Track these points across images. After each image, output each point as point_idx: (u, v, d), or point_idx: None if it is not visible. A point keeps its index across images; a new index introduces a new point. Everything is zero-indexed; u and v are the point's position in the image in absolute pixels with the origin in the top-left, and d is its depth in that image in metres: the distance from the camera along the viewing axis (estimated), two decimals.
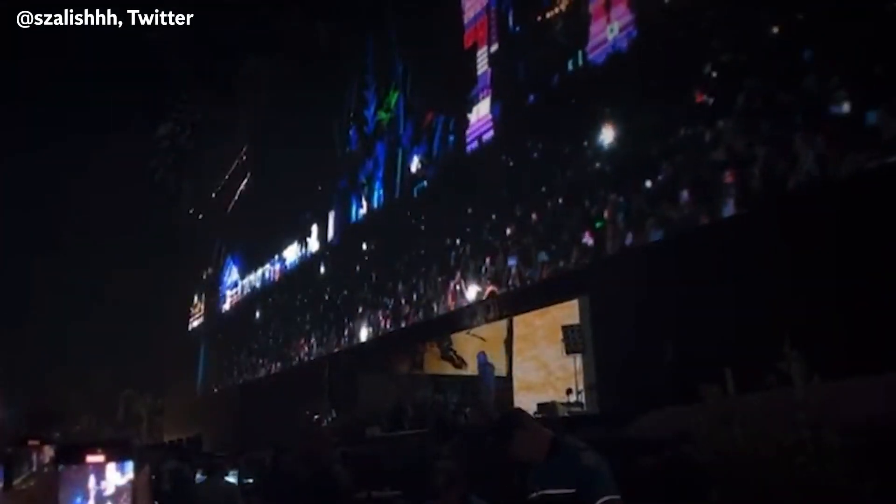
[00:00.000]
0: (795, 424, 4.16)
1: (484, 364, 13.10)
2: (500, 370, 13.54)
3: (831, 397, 4.31)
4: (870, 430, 3.95)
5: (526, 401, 10.82)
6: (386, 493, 9.33)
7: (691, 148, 8.63)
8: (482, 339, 13.64)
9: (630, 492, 3.24)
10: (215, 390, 28.66)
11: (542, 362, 12.55)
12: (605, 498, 3.17)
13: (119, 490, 1.20)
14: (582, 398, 10.19)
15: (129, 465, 1.22)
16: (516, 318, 12.78)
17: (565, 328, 10.48)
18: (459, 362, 14.31)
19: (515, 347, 13.32)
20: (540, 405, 9.75)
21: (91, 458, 1.22)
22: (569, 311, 10.54)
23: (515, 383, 13.13)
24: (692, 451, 4.58)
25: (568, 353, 10.44)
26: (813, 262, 6.35)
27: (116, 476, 1.20)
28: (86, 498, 1.18)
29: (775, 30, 7.78)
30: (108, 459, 1.23)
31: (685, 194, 8.59)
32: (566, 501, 3.27)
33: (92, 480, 1.19)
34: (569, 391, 10.44)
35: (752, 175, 7.69)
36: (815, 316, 6.00)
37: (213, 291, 30.52)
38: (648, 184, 9.21)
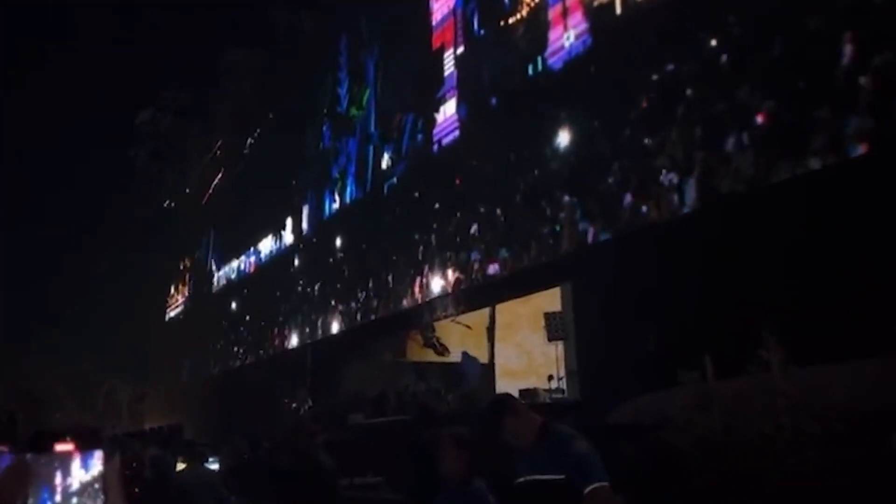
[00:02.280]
0: (774, 410, 4.19)
1: (467, 359, 13.21)
2: (483, 357, 13.57)
3: (809, 383, 4.35)
4: (846, 415, 3.99)
5: (508, 387, 10.87)
6: (368, 480, 9.35)
7: (639, 152, 8.94)
8: (467, 326, 13.66)
9: (611, 477, 3.25)
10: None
11: (524, 349, 12.59)
12: (596, 485, 3.17)
13: (83, 486, 1.18)
14: (563, 384, 10.24)
15: (94, 461, 1.21)
16: (499, 306, 12.83)
17: (547, 315, 10.51)
18: (442, 349, 14.34)
19: (498, 335, 13.36)
20: (522, 391, 9.78)
21: (60, 447, 1.20)
22: (551, 299, 10.57)
23: (498, 370, 13.17)
24: (672, 436, 4.61)
25: (550, 340, 10.47)
26: (789, 252, 6.40)
27: (81, 473, 1.18)
28: (53, 493, 1.17)
29: (713, 43, 8.08)
30: (78, 448, 1.21)
31: (628, 197, 8.97)
32: (555, 487, 3.26)
33: (59, 476, 1.17)
34: (550, 377, 10.48)
35: (694, 178, 8.05)
36: (793, 303, 6.06)
37: (203, 278, 30.15)
38: (600, 185, 9.53)
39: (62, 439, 1.21)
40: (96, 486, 1.20)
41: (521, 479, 3.42)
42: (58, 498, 1.19)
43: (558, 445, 3.34)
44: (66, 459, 1.20)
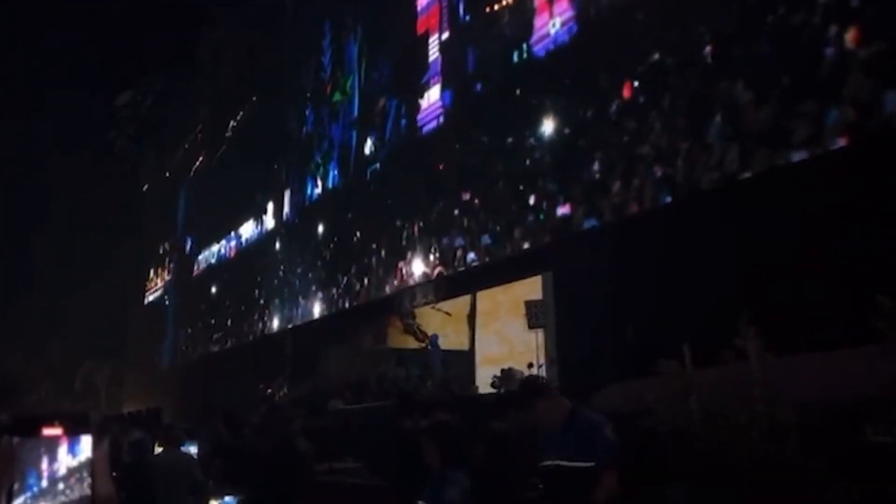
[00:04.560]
0: (751, 400, 4.24)
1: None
2: (463, 344, 13.62)
3: (786, 373, 4.40)
4: (823, 406, 4.05)
5: (488, 374, 10.97)
6: (347, 465, 9.37)
7: (622, 141, 8.98)
8: (447, 313, 13.67)
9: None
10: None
11: (504, 337, 12.63)
12: (613, 470, 3.22)
13: (70, 471, 1.17)
14: (543, 372, 10.30)
15: (81, 446, 1.19)
16: (480, 293, 12.87)
17: (528, 303, 10.56)
18: (422, 336, 14.35)
19: (479, 322, 13.40)
20: (502, 371, 10.24)
21: (47, 431, 1.19)
22: (532, 287, 10.62)
23: (478, 357, 13.22)
24: (651, 425, 4.65)
25: (530, 328, 10.52)
26: (768, 242, 6.47)
27: (68, 458, 1.17)
28: (39, 478, 1.16)
29: (698, 33, 8.13)
30: (66, 432, 1.20)
31: (611, 186, 9.00)
32: (582, 474, 3.28)
33: (45, 461, 1.16)
34: (530, 365, 10.54)
35: (676, 168, 8.09)
36: (772, 293, 6.12)
37: (184, 260, 29.88)
38: (583, 174, 9.58)
39: (49, 423, 1.20)
40: (84, 472, 1.19)
41: (549, 463, 3.43)
42: (44, 483, 1.18)
43: (589, 432, 3.37)
44: (52, 444, 1.19)
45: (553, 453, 3.44)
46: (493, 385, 10.66)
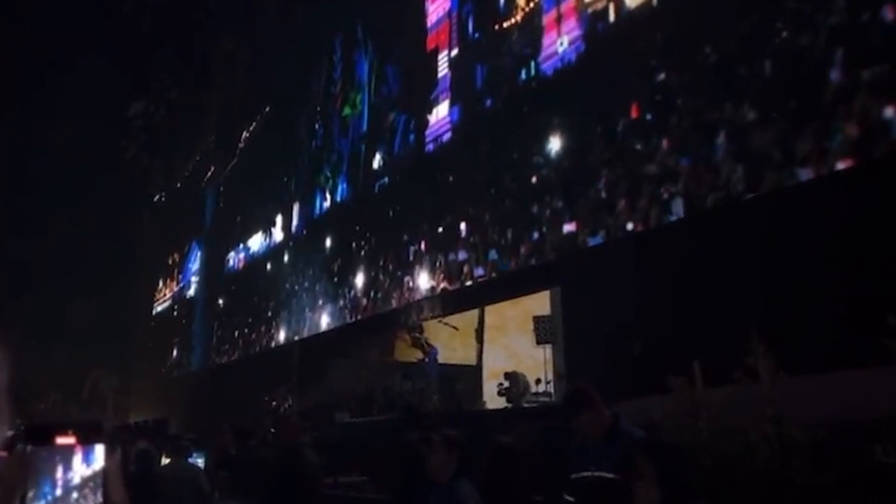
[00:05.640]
0: (760, 419, 4.22)
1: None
2: (471, 358, 13.61)
3: (797, 392, 4.38)
4: (832, 426, 4.02)
5: (495, 388, 10.98)
6: (353, 479, 9.35)
7: (629, 160, 9.00)
8: (454, 327, 13.68)
9: None
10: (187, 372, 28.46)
11: (512, 351, 12.63)
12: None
13: (85, 481, 1.18)
14: (551, 388, 10.28)
15: (95, 455, 1.20)
16: (488, 308, 12.87)
17: (536, 319, 10.55)
18: (430, 350, 14.35)
19: (487, 336, 13.39)
20: (506, 374, 10.59)
21: (61, 440, 1.19)
22: (540, 302, 10.61)
23: (485, 371, 13.21)
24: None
25: (538, 343, 10.52)
26: (779, 261, 6.45)
27: (82, 467, 1.18)
28: (54, 487, 1.16)
29: (704, 53, 8.16)
30: (79, 441, 1.20)
31: (623, 203, 8.98)
32: (615, 488, 3.30)
33: (60, 470, 1.16)
34: (538, 381, 10.53)
35: (682, 187, 8.13)
36: (782, 312, 6.10)
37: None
38: (590, 191, 9.60)
39: (63, 432, 1.21)
40: (98, 480, 1.19)
41: (588, 474, 3.44)
42: (58, 492, 1.19)
43: (628, 447, 3.37)
44: (67, 453, 1.20)
45: (590, 464, 3.45)
46: (500, 393, 10.66)
